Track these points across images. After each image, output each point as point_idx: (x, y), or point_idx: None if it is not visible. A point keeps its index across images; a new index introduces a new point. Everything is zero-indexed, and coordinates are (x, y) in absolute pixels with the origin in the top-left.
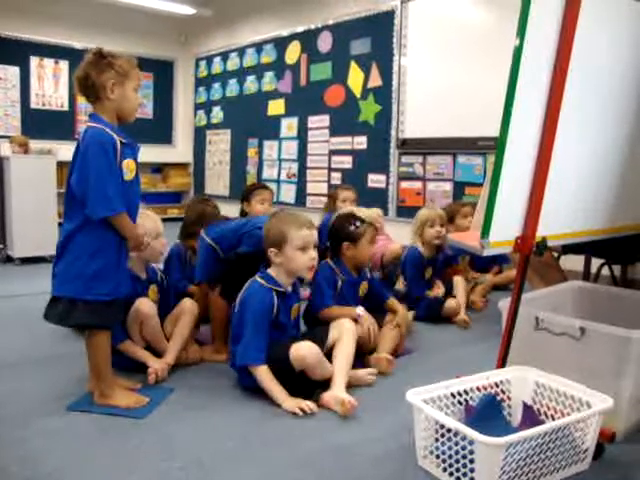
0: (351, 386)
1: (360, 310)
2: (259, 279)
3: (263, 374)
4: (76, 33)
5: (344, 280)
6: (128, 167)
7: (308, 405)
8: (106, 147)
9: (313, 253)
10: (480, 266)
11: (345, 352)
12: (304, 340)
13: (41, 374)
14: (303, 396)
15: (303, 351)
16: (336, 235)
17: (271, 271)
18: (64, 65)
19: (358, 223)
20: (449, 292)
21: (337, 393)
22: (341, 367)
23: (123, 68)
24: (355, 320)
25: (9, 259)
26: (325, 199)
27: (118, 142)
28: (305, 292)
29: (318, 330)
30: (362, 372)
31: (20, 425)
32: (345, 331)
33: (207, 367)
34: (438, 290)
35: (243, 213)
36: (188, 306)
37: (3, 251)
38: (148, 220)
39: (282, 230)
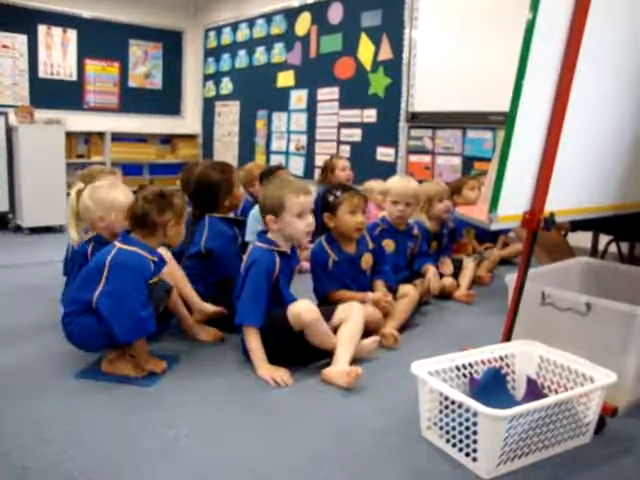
0: (355, 360)
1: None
2: (259, 244)
3: (253, 335)
4: (84, 2)
5: (336, 259)
6: None
7: (282, 377)
8: (139, 271)
9: (310, 219)
10: (484, 238)
11: (350, 330)
12: None
13: (51, 341)
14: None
15: (299, 308)
16: (321, 207)
17: (270, 235)
18: (72, 34)
19: (338, 192)
20: (458, 272)
21: (340, 367)
22: (344, 343)
23: (180, 208)
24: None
25: (18, 228)
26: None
27: (151, 263)
28: (305, 264)
29: (323, 309)
30: (365, 341)
31: (31, 391)
32: (353, 313)
33: None
34: (446, 269)
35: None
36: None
37: (12, 220)
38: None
39: (279, 197)
